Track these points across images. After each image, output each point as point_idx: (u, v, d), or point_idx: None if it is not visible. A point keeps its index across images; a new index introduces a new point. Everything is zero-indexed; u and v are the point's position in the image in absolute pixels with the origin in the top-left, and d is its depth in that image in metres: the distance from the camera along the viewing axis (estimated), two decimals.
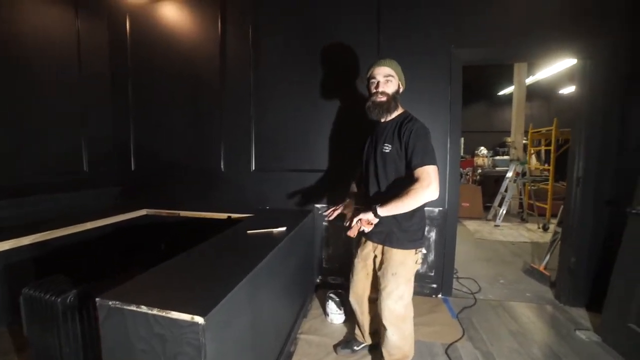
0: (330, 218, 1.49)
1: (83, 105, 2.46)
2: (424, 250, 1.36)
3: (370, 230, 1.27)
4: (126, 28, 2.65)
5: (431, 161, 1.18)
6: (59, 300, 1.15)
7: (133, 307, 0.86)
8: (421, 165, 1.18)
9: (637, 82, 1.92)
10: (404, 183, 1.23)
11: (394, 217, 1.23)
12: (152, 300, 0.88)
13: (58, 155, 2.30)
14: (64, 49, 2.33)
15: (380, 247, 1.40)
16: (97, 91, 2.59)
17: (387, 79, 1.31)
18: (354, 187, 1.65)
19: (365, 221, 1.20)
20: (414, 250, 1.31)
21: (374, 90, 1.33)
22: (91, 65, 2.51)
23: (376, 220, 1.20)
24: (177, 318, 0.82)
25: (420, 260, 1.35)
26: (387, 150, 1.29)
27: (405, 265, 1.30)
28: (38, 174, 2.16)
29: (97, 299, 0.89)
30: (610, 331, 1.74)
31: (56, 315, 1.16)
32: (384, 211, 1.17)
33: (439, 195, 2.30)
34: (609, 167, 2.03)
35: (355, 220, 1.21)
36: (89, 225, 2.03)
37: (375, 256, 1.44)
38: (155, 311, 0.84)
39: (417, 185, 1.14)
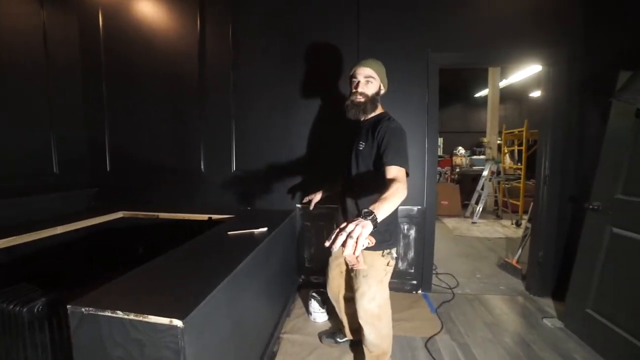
0: (305, 200, 1.73)
1: (52, 103, 2.32)
2: (394, 253, 1.33)
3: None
4: (99, 23, 2.54)
5: (404, 164, 1.17)
6: (24, 310, 1.09)
7: (108, 313, 0.84)
8: (395, 164, 1.14)
9: (592, 87, 2.08)
10: (374, 179, 1.22)
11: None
12: (129, 304, 0.86)
13: (25, 155, 2.16)
14: (28, 41, 2.19)
15: None
16: (67, 88, 2.46)
17: (367, 80, 1.32)
18: (333, 187, 1.69)
19: (367, 236, 0.86)
20: (381, 252, 1.30)
21: (354, 90, 1.33)
22: (60, 59, 2.37)
23: (371, 226, 0.89)
24: (155, 322, 0.81)
25: (392, 262, 1.34)
26: (361, 148, 1.31)
27: (375, 267, 1.31)
28: (2, 176, 2.02)
29: (68, 306, 0.86)
30: (571, 317, 1.88)
31: (21, 326, 1.10)
32: (381, 213, 0.94)
33: (418, 193, 2.38)
34: (571, 166, 2.19)
35: (360, 243, 0.81)
36: (59, 229, 1.93)
37: None
38: (132, 316, 0.82)
39: (398, 185, 1.06)
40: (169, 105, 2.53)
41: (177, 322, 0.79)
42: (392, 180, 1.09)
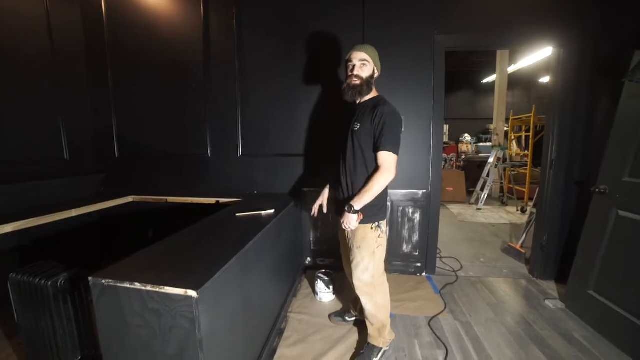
0: (316, 214, 1.68)
1: (59, 90, 2.35)
2: (382, 227, 1.41)
3: (337, 207, 1.49)
4: (102, 10, 2.52)
5: (394, 149, 1.28)
6: (49, 283, 1.15)
7: (127, 284, 0.89)
8: (384, 150, 1.27)
9: (604, 70, 2.02)
10: (366, 158, 1.36)
11: (354, 193, 1.36)
12: (146, 277, 0.91)
13: (36, 142, 2.21)
14: (33, 30, 2.19)
15: None
16: (73, 75, 2.48)
17: (362, 63, 1.37)
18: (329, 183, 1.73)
19: (348, 223, 1.30)
20: (370, 225, 1.38)
21: (350, 73, 1.40)
22: (65, 46, 2.39)
23: (355, 217, 1.29)
24: (171, 293, 0.85)
25: (383, 235, 1.42)
26: (356, 129, 1.38)
27: (366, 239, 1.39)
28: (15, 162, 2.08)
29: (90, 278, 0.91)
30: (572, 298, 1.92)
31: (47, 298, 1.17)
32: (359, 204, 1.28)
33: (423, 178, 2.37)
34: (578, 151, 2.16)
35: (352, 227, 1.31)
36: (73, 212, 1.99)
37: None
38: (149, 287, 0.87)
39: (377, 175, 1.27)
40: (175, 91, 2.53)
41: (192, 293, 0.84)
42: (377, 168, 1.29)
